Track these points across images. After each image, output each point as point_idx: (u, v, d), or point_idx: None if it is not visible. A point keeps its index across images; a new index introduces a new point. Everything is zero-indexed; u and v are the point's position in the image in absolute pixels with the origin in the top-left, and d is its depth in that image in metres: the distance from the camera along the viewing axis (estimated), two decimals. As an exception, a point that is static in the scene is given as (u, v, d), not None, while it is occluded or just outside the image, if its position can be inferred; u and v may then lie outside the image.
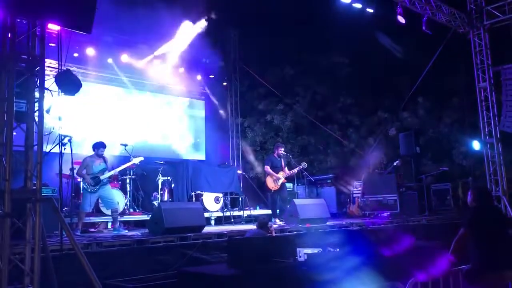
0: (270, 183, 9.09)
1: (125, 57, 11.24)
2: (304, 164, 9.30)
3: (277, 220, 8.88)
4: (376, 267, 5.18)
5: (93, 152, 7.67)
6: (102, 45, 10.67)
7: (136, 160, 8.34)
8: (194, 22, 10.83)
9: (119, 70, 11.35)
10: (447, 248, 4.37)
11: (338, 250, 6.01)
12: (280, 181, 9.05)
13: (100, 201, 7.90)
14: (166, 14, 9.90)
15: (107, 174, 7.57)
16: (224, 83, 13.93)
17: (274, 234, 7.05)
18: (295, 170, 9.22)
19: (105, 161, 7.68)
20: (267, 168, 9.14)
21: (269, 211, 9.61)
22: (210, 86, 13.50)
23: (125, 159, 9.04)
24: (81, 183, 8.61)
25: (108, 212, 8.14)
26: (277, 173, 9.08)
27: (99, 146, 7.63)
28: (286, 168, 9.26)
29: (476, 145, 11.49)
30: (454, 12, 10.93)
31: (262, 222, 6.66)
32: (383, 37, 12.63)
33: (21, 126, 4.34)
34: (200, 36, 11.20)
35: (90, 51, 10.64)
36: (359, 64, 14.49)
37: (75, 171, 7.36)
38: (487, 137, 10.90)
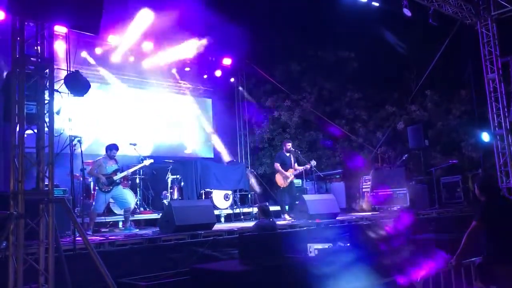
0: (280, 180, 9.10)
1: (132, 57, 11.27)
2: (313, 162, 9.28)
3: (286, 216, 8.90)
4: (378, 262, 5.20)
5: (105, 153, 7.76)
6: (106, 45, 10.71)
7: (146, 162, 8.44)
8: (201, 21, 10.83)
9: (127, 69, 11.39)
10: (457, 241, 4.36)
11: (348, 244, 6.04)
12: (289, 180, 9.06)
13: (112, 200, 7.98)
14: (169, 15, 9.92)
15: (120, 175, 7.66)
16: (232, 80, 13.94)
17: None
18: (308, 166, 9.20)
19: (116, 162, 7.78)
20: (277, 165, 9.14)
21: (278, 208, 9.62)
22: (217, 84, 13.53)
23: (134, 158, 9.12)
24: (91, 183, 8.72)
25: (119, 211, 8.23)
26: (286, 170, 9.08)
27: (111, 148, 7.73)
28: (295, 165, 9.26)
29: (485, 136, 11.41)
30: (461, 3, 10.82)
31: (265, 210, 6.69)
32: (395, 32, 12.54)
33: (32, 128, 4.39)
34: (207, 34, 11.21)
35: (98, 50, 10.69)
36: (366, 58, 14.41)
37: (86, 171, 7.44)
38: (497, 129, 10.81)
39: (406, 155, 11.48)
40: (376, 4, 9.97)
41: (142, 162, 8.45)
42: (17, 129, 4.19)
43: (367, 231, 7.42)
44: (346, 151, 14.48)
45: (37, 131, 4.38)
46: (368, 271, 5.00)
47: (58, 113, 4.74)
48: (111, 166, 7.63)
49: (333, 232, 7.19)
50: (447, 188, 11.81)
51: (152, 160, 8.57)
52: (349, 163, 13.52)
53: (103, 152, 7.92)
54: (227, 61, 12.88)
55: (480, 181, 4.55)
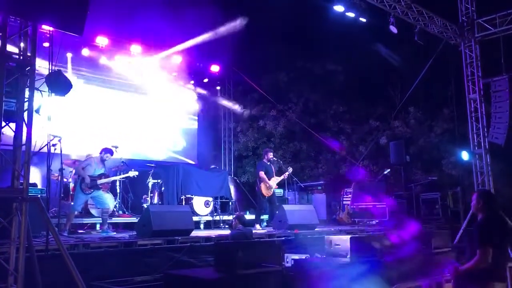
0: (265, 189, 9.05)
1: (117, 59, 11.22)
2: (289, 170, 9.31)
3: (258, 226, 8.87)
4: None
5: (99, 155, 7.74)
6: (94, 46, 10.68)
7: (131, 174, 8.43)
8: (189, 27, 10.87)
9: (111, 71, 11.34)
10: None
11: (324, 256, 6.05)
12: (273, 189, 9.08)
13: (91, 202, 7.92)
14: (160, 18, 9.94)
15: (103, 181, 7.61)
16: (218, 87, 13.97)
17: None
18: (285, 175, 9.22)
19: (104, 166, 7.74)
20: (262, 174, 9.12)
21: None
22: (204, 90, 13.53)
23: (115, 161, 9.06)
24: (70, 184, 8.62)
25: (98, 213, 8.15)
26: (269, 179, 9.09)
27: (106, 152, 7.72)
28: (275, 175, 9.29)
29: (464, 155, 11.57)
30: (446, 24, 11.03)
31: (242, 219, 6.68)
32: (381, 48, 12.75)
33: (10, 126, 4.34)
34: (194, 41, 11.25)
35: (84, 52, 10.64)
36: (352, 73, 14.63)
37: (74, 167, 7.36)
38: (476, 148, 10.99)
39: (387, 170, 11.60)
40: (363, 20, 10.12)
41: (127, 172, 8.48)
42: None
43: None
44: (328, 163, 14.59)
45: (15, 128, 4.33)
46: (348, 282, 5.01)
47: (37, 111, 4.70)
48: (99, 169, 7.62)
49: (311, 243, 7.20)
50: (426, 204, 11.94)
51: (136, 172, 8.54)
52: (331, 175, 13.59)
53: (82, 153, 7.85)
54: (215, 68, 12.90)
55: (484, 195, 4.24)
